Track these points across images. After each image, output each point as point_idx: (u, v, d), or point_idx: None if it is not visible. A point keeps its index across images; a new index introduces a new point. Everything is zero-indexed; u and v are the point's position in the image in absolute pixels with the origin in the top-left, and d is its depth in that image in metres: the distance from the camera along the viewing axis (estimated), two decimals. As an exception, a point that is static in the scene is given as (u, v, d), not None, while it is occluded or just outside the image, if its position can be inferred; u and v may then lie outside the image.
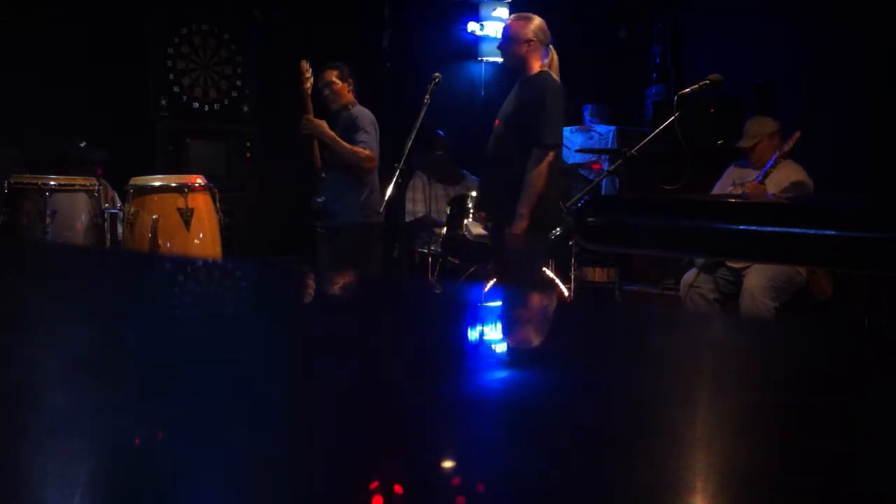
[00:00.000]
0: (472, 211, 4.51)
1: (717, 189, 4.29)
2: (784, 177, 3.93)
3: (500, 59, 6.38)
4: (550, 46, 3.53)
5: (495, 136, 3.52)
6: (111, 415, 0.48)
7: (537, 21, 3.52)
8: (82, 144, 4.47)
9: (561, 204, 4.24)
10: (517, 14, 3.63)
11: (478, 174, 4.08)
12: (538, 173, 3.32)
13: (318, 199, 4.14)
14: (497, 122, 3.55)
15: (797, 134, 3.93)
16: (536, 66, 3.48)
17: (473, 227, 4.68)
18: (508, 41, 3.51)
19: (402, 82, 4.20)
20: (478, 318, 0.89)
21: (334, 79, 4.20)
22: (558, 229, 3.74)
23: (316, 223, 4.22)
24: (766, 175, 3.91)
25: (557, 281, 4.22)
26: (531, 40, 3.45)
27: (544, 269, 4.21)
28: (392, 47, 6.26)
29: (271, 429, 0.46)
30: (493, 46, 6.17)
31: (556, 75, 3.50)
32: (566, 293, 4.19)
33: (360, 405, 0.51)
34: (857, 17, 5.21)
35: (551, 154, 3.34)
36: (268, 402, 0.51)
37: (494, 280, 3.80)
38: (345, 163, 4.07)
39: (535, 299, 1.32)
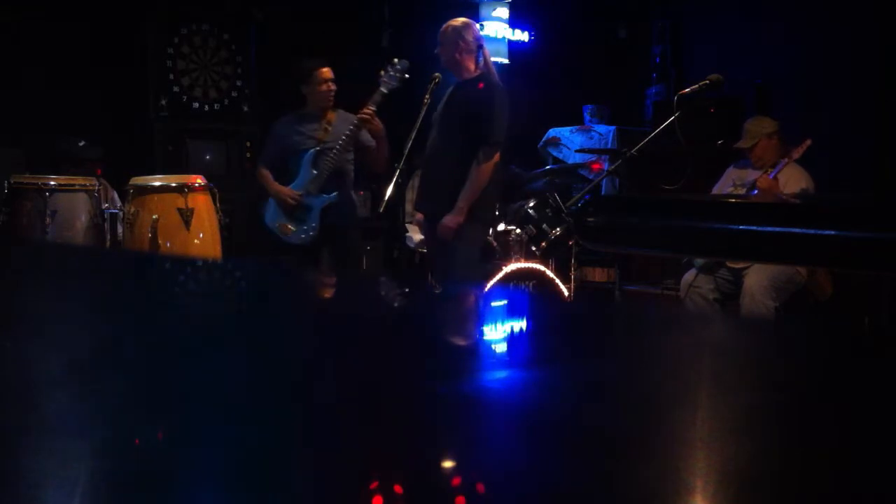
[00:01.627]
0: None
1: (717, 189, 4.29)
2: (790, 181, 3.92)
3: (501, 60, 6.40)
4: (484, 48, 3.68)
5: (434, 137, 3.65)
6: (111, 415, 0.48)
7: (471, 26, 3.68)
8: (81, 144, 4.47)
9: (557, 201, 4.25)
10: (452, 19, 3.74)
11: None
12: (484, 169, 3.45)
13: (331, 196, 4.09)
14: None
15: (807, 141, 3.93)
16: (472, 68, 3.63)
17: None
18: (443, 45, 3.65)
19: (402, 82, 4.20)
20: (476, 317, 0.89)
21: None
22: (557, 230, 3.75)
23: (311, 225, 4.11)
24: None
25: (557, 281, 4.22)
26: (465, 44, 3.59)
27: (543, 268, 4.21)
28: (392, 47, 6.27)
29: (271, 428, 0.46)
30: (494, 47, 6.20)
31: (493, 75, 3.65)
32: (566, 293, 4.19)
33: (358, 405, 0.51)
34: (858, 17, 5.21)
35: (497, 153, 3.47)
36: (267, 402, 0.51)
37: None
38: (378, 164, 4.13)
39: (527, 298, 1.32)
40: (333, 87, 4.18)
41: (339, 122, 4.16)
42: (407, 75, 3.94)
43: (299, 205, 4.08)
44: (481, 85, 3.57)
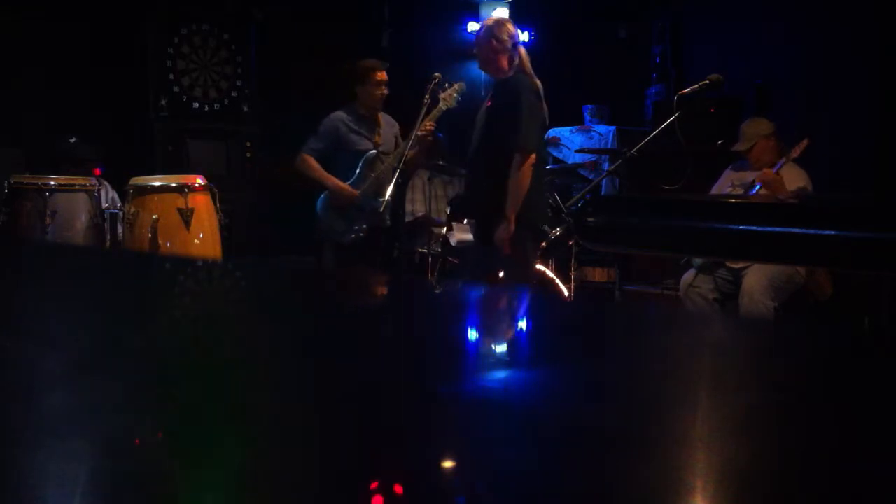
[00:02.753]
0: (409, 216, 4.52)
1: (716, 191, 4.29)
2: (788, 179, 3.92)
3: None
4: (520, 47, 3.62)
5: (476, 140, 3.61)
6: (111, 415, 0.47)
7: (506, 24, 3.64)
8: (72, 140, 4.46)
9: (558, 201, 4.26)
10: (487, 19, 3.72)
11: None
12: (521, 176, 3.40)
13: (386, 199, 4.11)
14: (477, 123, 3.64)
15: (805, 140, 3.93)
16: (507, 67, 3.57)
17: (460, 233, 4.70)
18: (479, 46, 3.61)
19: (403, 82, 4.22)
20: (476, 317, 0.89)
21: None
22: (557, 230, 3.76)
23: (362, 225, 4.15)
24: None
25: (557, 281, 4.22)
26: (498, 43, 3.54)
27: (543, 268, 4.21)
28: (392, 47, 6.27)
29: (271, 429, 0.46)
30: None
31: (529, 75, 3.58)
32: (566, 293, 4.19)
33: (359, 405, 0.51)
34: (858, 17, 5.21)
35: (532, 156, 3.41)
36: (268, 403, 0.51)
37: (479, 282, 3.84)
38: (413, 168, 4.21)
39: (533, 298, 1.32)
40: (386, 90, 4.21)
41: (386, 126, 4.27)
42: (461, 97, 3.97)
43: (354, 204, 4.13)
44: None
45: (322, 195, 4.24)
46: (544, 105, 3.51)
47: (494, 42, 3.53)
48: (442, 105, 3.91)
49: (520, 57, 3.59)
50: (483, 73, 3.76)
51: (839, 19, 5.30)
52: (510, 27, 3.63)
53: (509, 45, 3.56)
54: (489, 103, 3.60)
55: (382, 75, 4.21)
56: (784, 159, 3.95)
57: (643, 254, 4.82)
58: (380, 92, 4.19)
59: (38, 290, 0.94)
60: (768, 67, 5.67)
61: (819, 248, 1.46)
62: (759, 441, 0.45)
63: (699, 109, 5.05)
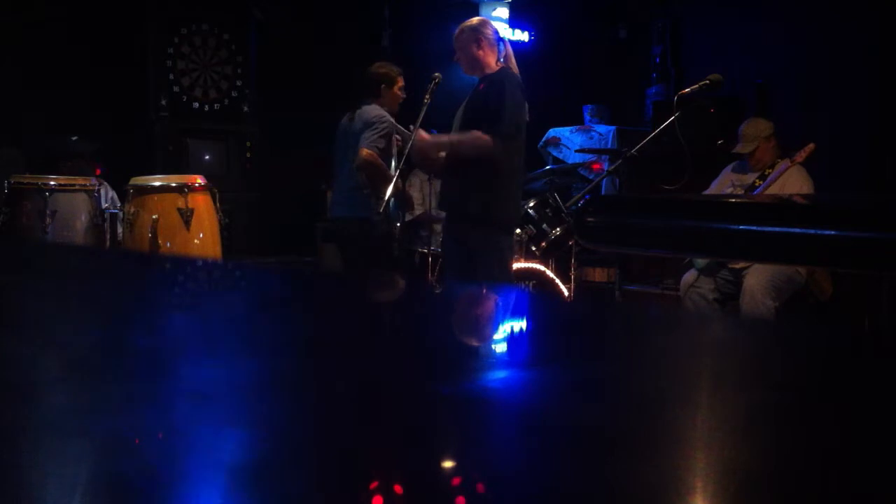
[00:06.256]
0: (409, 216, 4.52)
1: (714, 190, 4.29)
2: (791, 183, 3.92)
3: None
4: (505, 42, 3.59)
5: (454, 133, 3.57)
6: (111, 415, 0.48)
7: (485, 22, 3.61)
8: (74, 139, 4.47)
9: (558, 201, 4.25)
10: (464, 22, 3.64)
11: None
12: (475, 138, 3.30)
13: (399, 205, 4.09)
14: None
15: (811, 145, 3.93)
16: (493, 63, 3.53)
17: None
18: (461, 47, 3.54)
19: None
20: (476, 317, 0.89)
21: None
22: (557, 230, 3.75)
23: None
24: (772, 183, 3.93)
25: (557, 281, 4.22)
26: (485, 39, 3.51)
27: (543, 268, 4.21)
28: (392, 47, 6.28)
29: (271, 429, 0.46)
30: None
31: (514, 69, 3.55)
32: (566, 293, 4.19)
33: (360, 405, 0.51)
34: (858, 17, 5.21)
35: (493, 141, 3.29)
36: (268, 402, 0.51)
37: (445, 280, 3.82)
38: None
39: (533, 299, 1.32)
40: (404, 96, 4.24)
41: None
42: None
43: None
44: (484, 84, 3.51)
45: (394, 201, 3.99)
46: (525, 104, 3.46)
47: (482, 38, 3.49)
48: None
49: (506, 51, 3.56)
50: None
51: (839, 19, 5.31)
52: (491, 24, 3.61)
53: (494, 40, 3.53)
54: (470, 97, 3.56)
55: (402, 81, 4.23)
56: (787, 163, 3.95)
57: (643, 254, 4.82)
58: (402, 96, 4.20)
59: (38, 290, 0.94)
60: (768, 67, 5.68)
61: (819, 248, 1.46)
62: (759, 441, 0.45)
63: (699, 109, 5.06)
